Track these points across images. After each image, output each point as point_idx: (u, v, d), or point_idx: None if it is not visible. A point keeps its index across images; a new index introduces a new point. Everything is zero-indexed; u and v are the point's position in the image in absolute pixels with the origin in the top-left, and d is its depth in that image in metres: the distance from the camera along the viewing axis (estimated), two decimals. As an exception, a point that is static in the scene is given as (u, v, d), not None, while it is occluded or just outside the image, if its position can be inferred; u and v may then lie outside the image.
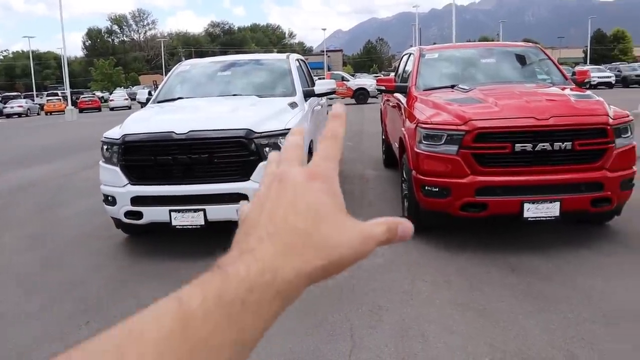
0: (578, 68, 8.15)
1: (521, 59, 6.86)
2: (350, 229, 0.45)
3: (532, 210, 4.49)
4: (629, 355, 3.07)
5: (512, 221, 4.91)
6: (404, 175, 5.41)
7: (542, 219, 4.51)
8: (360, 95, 28.67)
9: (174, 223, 4.70)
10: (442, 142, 4.63)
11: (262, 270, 0.40)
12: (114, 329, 0.36)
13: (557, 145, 4.42)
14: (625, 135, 4.69)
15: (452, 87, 5.82)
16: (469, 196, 4.54)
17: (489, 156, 4.52)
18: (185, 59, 7.75)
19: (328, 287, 4.10)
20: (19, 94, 62.58)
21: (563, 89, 5.52)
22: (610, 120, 4.58)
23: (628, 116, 4.83)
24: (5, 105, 46.78)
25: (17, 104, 46.88)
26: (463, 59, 6.87)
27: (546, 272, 4.26)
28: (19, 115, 45.31)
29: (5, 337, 3.63)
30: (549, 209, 4.49)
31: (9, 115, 45.02)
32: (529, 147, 4.42)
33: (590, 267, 4.34)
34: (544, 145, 4.42)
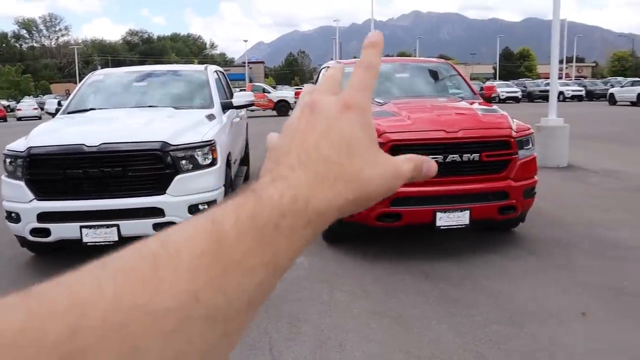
0: (487, 84, 8.65)
1: (434, 74, 7.16)
2: (381, 163, 0.44)
3: (444, 219, 4.69)
4: (533, 353, 3.26)
5: (426, 230, 5.09)
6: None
7: (453, 227, 4.72)
8: (282, 107, 28.79)
9: (85, 240, 4.50)
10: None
11: (295, 197, 0.40)
12: (148, 240, 0.35)
13: (465, 156, 4.65)
14: (527, 147, 5.01)
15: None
16: (384, 207, 4.67)
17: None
18: (102, 68, 7.47)
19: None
20: None
21: (471, 103, 5.82)
22: (514, 133, 4.89)
23: (529, 129, 5.17)
24: None
25: None
26: (380, 73, 7.06)
27: (457, 277, 4.46)
28: None
29: None
30: (460, 218, 4.70)
31: None
32: (439, 158, 4.62)
33: (497, 271, 4.59)
34: (453, 157, 4.64)
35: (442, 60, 8.09)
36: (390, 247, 5.24)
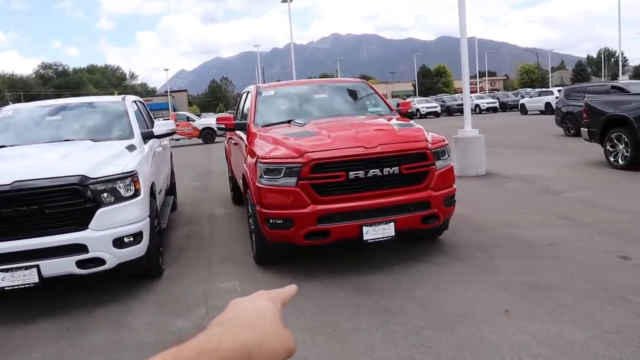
0: (405, 100, 8.99)
1: (352, 94, 7.37)
2: (283, 331, 0.64)
3: (371, 233, 4.80)
4: (463, 352, 3.40)
5: (355, 245, 5.19)
6: (250, 210, 5.49)
7: (380, 239, 4.84)
8: (207, 135, 28.45)
9: (1, 285, 4.26)
10: (282, 175, 4.79)
11: (210, 339, 0.60)
12: None
13: (386, 170, 4.81)
14: (444, 158, 5.24)
15: (289, 122, 6.06)
16: (312, 225, 4.73)
17: (327, 185, 4.77)
18: (13, 103, 7.13)
19: (178, 332, 4.00)
20: None
21: (389, 119, 6.02)
22: (429, 145, 5.10)
23: (444, 141, 5.41)
24: None
25: None
26: (298, 95, 7.20)
27: (388, 288, 4.57)
28: None
29: None
30: (385, 230, 4.84)
31: None
32: (361, 174, 4.75)
33: (425, 278, 4.74)
34: (374, 171, 4.78)
35: (359, 79, 8.33)
36: (322, 265, 5.30)
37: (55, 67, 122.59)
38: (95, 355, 3.76)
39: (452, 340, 3.57)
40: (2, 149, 5.62)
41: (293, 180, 4.73)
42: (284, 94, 7.23)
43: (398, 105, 7.40)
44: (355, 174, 4.75)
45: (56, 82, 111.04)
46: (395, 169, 4.86)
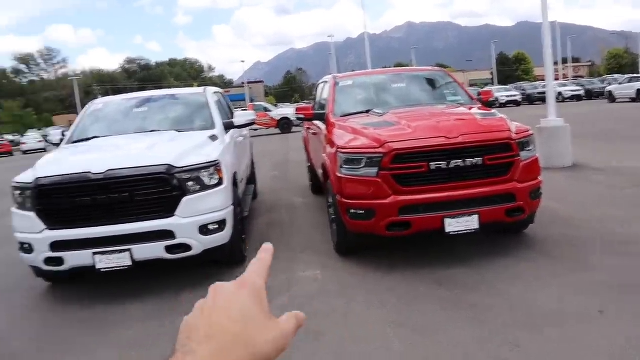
0: (484, 89, 8.65)
1: (430, 83, 7.21)
2: (272, 329, 0.55)
3: (453, 225, 4.68)
4: (554, 354, 3.24)
5: (436, 237, 5.09)
6: (330, 200, 5.50)
7: (463, 232, 4.71)
8: (284, 125, 28.89)
9: (98, 266, 4.52)
10: (362, 165, 4.76)
11: None
12: None
13: (468, 161, 4.66)
14: (529, 149, 5.01)
15: (368, 112, 6.01)
16: (393, 216, 4.67)
17: (408, 176, 4.69)
18: (102, 97, 7.54)
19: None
20: None
21: (470, 108, 5.84)
22: (513, 135, 4.89)
23: (529, 131, 5.17)
24: None
25: None
26: (376, 84, 7.12)
27: (472, 283, 4.44)
28: None
29: None
30: (469, 222, 4.70)
31: None
32: (443, 164, 4.63)
33: (511, 274, 4.56)
34: (456, 162, 4.64)
35: (437, 68, 8.13)
36: (403, 256, 5.23)
37: (138, 61, 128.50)
38: (182, 337, 3.90)
39: (541, 340, 3.41)
40: (95, 139, 5.94)
41: (374, 170, 4.68)
42: (362, 83, 7.18)
43: (479, 94, 7.16)
44: (437, 164, 4.63)
45: (140, 76, 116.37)
46: (478, 160, 4.70)
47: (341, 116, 6.07)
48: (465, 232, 4.72)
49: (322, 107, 6.96)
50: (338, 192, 4.99)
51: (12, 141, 52.14)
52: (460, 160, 4.65)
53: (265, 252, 0.64)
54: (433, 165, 4.62)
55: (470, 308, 3.96)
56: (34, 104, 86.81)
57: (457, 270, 4.72)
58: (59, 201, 4.58)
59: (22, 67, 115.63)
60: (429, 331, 3.65)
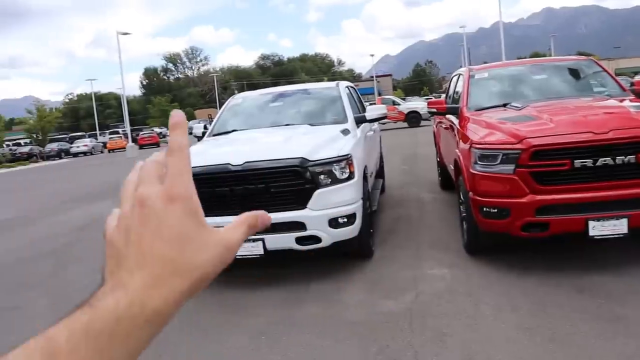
0: (637, 78, 7.79)
1: (574, 73, 6.69)
2: (212, 245, 0.47)
3: (598, 228, 4.31)
4: None
5: (577, 240, 4.73)
6: (461, 197, 5.33)
7: (609, 236, 4.33)
8: (413, 119, 28.56)
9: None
10: (498, 161, 4.54)
11: (131, 302, 0.44)
12: None
13: (619, 159, 4.25)
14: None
15: (504, 105, 5.73)
16: (530, 216, 4.41)
17: (548, 174, 4.39)
18: (238, 92, 7.96)
19: (387, 313, 4.07)
20: (84, 134, 65.87)
21: (621, 100, 5.34)
22: (676, 131, 4.38)
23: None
24: (72, 145, 49.48)
25: (83, 144, 49.56)
26: (513, 76, 6.76)
27: (618, 292, 4.06)
28: (85, 154, 47.75)
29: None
30: (616, 226, 4.30)
31: (75, 155, 47.52)
32: (589, 162, 4.28)
33: (667, 286, 4.11)
34: (605, 160, 4.26)
35: (583, 57, 7.52)
36: (537, 259, 4.93)
37: (272, 57, 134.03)
38: (310, 326, 4.01)
39: None
40: (234, 132, 6.28)
41: (510, 167, 4.45)
42: (498, 75, 6.85)
43: (632, 84, 6.51)
44: (582, 162, 4.29)
45: (273, 71, 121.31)
46: (631, 158, 4.27)
47: (476, 110, 5.85)
48: (612, 236, 4.33)
49: (455, 100, 6.75)
50: (471, 189, 4.82)
51: (159, 134, 57.06)
52: (609, 158, 4.27)
53: (176, 129, 0.50)
54: (577, 163, 4.28)
55: (615, 320, 3.63)
56: (179, 99, 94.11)
57: (601, 278, 4.35)
58: (200, 191, 4.83)
59: (170, 65, 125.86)
60: (567, 342, 3.40)
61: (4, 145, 52.12)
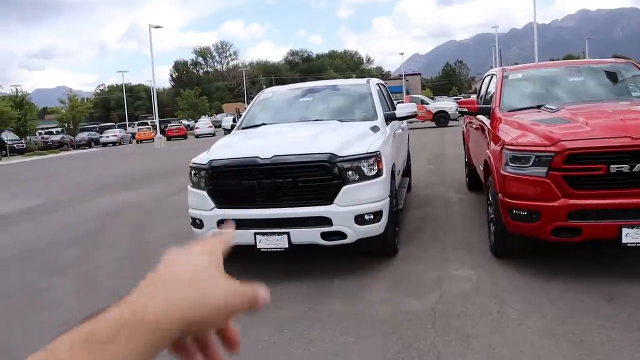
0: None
1: (612, 76, 6.53)
2: (225, 283, 0.52)
3: (632, 236, 4.20)
4: None
5: (608, 247, 4.62)
6: (490, 199, 5.25)
7: (643, 244, 4.21)
8: (441, 119, 28.30)
9: (258, 246, 4.80)
10: (530, 164, 4.46)
11: (134, 310, 0.46)
12: None
13: (658, 165, 4.13)
14: None
15: (538, 107, 5.63)
16: (561, 220, 4.32)
17: (582, 178, 4.30)
18: (266, 87, 7.98)
19: (411, 312, 4.03)
20: (114, 124, 67.07)
21: (661, 105, 5.19)
22: None
23: None
24: (102, 135, 50.38)
25: (112, 134, 50.40)
26: (548, 78, 6.63)
27: (650, 302, 3.96)
28: (114, 144, 48.58)
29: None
30: (651, 235, 4.18)
31: (105, 144, 48.38)
32: (625, 168, 4.16)
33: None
34: (642, 166, 4.14)
35: (622, 59, 7.33)
36: (566, 264, 4.83)
37: (301, 53, 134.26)
38: (333, 322, 3.99)
39: None
40: (263, 126, 6.30)
41: (543, 170, 4.36)
42: (533, 76, 6.72)
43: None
44: (618, 167, 4.18)
45: (302, 67, 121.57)
46: (670, 165, 4.14)
47: (508, 111, 5.75)
48: (646, 244, 4.21)
49: (487, 101, 6.65)
50: (501, 191, 4.74)
51: (187, 126, 57.67)
52: (646, 164, 4.15)
53: (229, 235, 0.62)
54: (613, 168, 4.17)
55: (646, 330, 3.54)
56: (207, 92, 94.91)
57: (632, 287, 4.24)
58: (229, 182, 4.94)
59: (200, 59, 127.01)
60: (595, 349, 3.32)
61: (37, 134, 53.28)
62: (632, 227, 4.18)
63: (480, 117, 6.60)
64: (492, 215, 5.13)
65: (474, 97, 8.12)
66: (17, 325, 4.48)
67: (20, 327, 4.45)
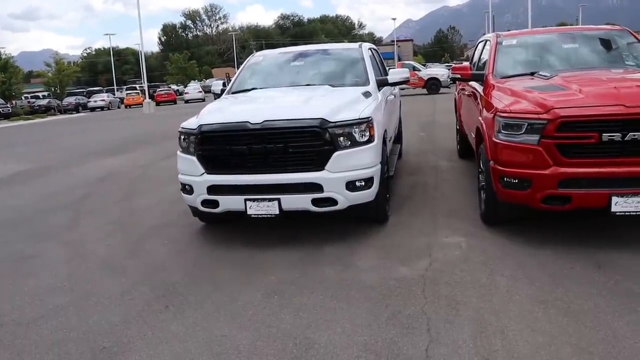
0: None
1: (606, 44, 6.45)
2: None
3: (621, 205, 4.21)
4: None
5: (597, 215, 4.63)
6: (481, 166, 5.23)
7: (632, 213, 4.22)
8: (432, 85, 28.14)
9: (249, 212, 4.77)
10: (522, 131, 4.42)
11: None
12: None
13: (651, 134, 4.11)
14: None
15: (532, 74, 5.57)
16: (552, 188, 4.32)
17: (574, 146, 4.27)
18: (256, 52, 7.82)
19: (401, 279, 4.05)
20: (102, 88, 66.05)
21: (656, 74, 5.14)
22: None
23: None
24: (89, 100, 49.72)
25: (100, 98, 49.79)
26: (542, 45, 6.54)
27: (637, 269, 3.99)
28: (102, 108, 48.00)
29: (87, 319, 3.80)
30: (641, 204, 4.19)
31: (92, 109, 47.79)
32: (617, 136, 4.14)
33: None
34: (635, 135, 4.12)
35: (617, 26, 7.24)
36: (556, 232, 4.85)
37: (292, 17, 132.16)
38: (323, 288, 4.00)
39: None
40: (254, 91, 6.19)
41: (535, 137, 4.32)
42: (527, 43, 6.62)
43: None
44: (610, 136, 4.15)
45: (292, 32, 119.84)
46: (664, 134, 4.12)
47: (502, 78, 5.69)
48: (635, 214, 4.23)
49: (480, 67, 6.57)
50: (492, 159, 4.72)
51: (176, 91, 56.98)
52: (639, 133, 4.12)
53: None
54: (605, 136, 4.15)
55: (633, 297, 3.56)
56: (196, 57, 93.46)
57: (620, 254, 4.27)
58: (219, 148, 4.87)
59: (189, 23, 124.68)
60: (582, 315, 3.35)
61: (23, 98, 52.40)
62: (622, 196, 4.19)
63: (472, 83, 6.53)
64: (483, 183, 5.12)
65: (466, 63, 8.01)
66: (4, 292, 4.45)
67: (8, 293, 4.42)
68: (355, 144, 4.72)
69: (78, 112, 47.31)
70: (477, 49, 7.77)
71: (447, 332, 3.25)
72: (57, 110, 47.18)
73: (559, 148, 4.27)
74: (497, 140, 4.63)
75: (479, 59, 7.18)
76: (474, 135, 5.91)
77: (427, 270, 4.20)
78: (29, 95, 56.22)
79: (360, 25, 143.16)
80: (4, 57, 46.63)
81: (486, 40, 7.09)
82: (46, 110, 46.32)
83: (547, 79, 5.15)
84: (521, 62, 6.16)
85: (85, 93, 56.89)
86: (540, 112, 4.34)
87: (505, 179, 4.57)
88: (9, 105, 44.90)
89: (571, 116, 4.24)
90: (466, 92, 7.19)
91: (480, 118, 5.36)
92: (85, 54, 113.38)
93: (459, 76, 6.57)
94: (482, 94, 5.69)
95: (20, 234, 6.22)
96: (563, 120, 4.23)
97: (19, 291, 4.42)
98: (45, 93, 57.16)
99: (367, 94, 5.57)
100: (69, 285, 4.48)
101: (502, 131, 4.59)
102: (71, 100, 49.65)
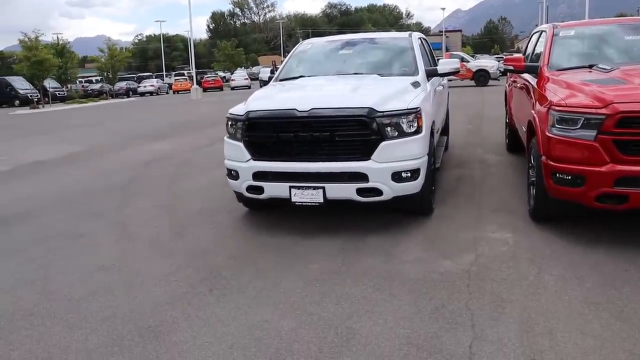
0: None
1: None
2: None
3: (682, 205, 4.01)
4: None
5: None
6: (532, 161, 5.07)
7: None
8: (481, 77, 27.48)
9: (293, 199, 4.78)
10: (578, 126, 4.25)
11: None
12: None
13: None
14: None
15: (590, 67, 5.34)
16: (607, 186, 4.14)
17: (633, 143, 4.08)
18: (303, 40, 7.79)
19: (445, 273, 3.98)
20: (151, 74, 67.54)
21: None
22: None
23: None
24: (139, 85, 51.01)
25: (150, 84, 51.08)
26: (601, 36, 6.25)
27: (698, 274, 3.80)
28: (151, 93, 49.20)
29: (134, 298, 3.90)
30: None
31: (142, 94, 49.03)
32: (683, 134, 3.93)
33: None
34: (700, 132, 3.91)
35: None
36: (609, 232, 4.67)
37: (339, 6, 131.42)
38: (366, 279, 3.97)
39: None
40: (301, 78, 6.18)
41: (592, 133, 4.15)
42: (585, 34, 6.35)
43: None
44: (674, 134, 3.94)
45: (339, 21, 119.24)
46: None
47: (557, 70, 5.48)
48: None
49: (534, 59, 6.36)
50: (544, 153, 4.56)
51: (223, 77, 57.70)
52: None
53: None
54: (669, 133, 3.95)
55: (692, 302, 3.40)
56: (244, 44, 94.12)
57: (679, 257, 4.08)
58: (265, 134, 4.88)
59: (237, 10, 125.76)
60: (636, 321, 3.21)
61: (77, 82, 54.10)
62: (683, 197, 3.98)
63: (525, 76, 6.32)
64: (533, 178, 4.96)
65: (519, 55, 7.77)
66: (58, 268, 4.61)
67: (62, 269, 4.57)
68: (402, 134, 4.65)
69: (128, 96, 48.58)
70: (532, 40, 7.52)
71: (492, 329, 3.17)
72: (108, 94, 48.54)
73: (617, 144, 4.09)
74: (551, 135, 4.47)
75: (533, 50, 6.95)
76: (525, 129, 5.73)
77: (472, 265, 4.12)
78: (83, 80, 58.06)
79: (408, 15, 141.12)
80: (61, 42, 48.07)
81: (541, 31, 6.84)
82: (99, 94, 47.77)
83: (607, 72, 4.93)
84: (578, 54, 5.92)
85: (135, 78, 58.31)
86: (598, 107, 4.16)
87: (557, 175, 4.41)
88: (64, 89, 46.50)
89: (632, 111, 4.04)
90: (518, 85, 6.98)
91: (532, 111, 5.19)
92: (136, 41, 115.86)
93: (511, 68, 6.36)
94: (535, 86, 5.50)
95: (72, 213, 6.43)
96: (623, 115, 4.04)
97: (71, 268, 4.58)
98: (98, 78, 58.84)
99: (416, 84, 5.47)
100: (118, 265, 4.60)
101: (556, 125, 4.43)
102: (122, 85, 51.02)
